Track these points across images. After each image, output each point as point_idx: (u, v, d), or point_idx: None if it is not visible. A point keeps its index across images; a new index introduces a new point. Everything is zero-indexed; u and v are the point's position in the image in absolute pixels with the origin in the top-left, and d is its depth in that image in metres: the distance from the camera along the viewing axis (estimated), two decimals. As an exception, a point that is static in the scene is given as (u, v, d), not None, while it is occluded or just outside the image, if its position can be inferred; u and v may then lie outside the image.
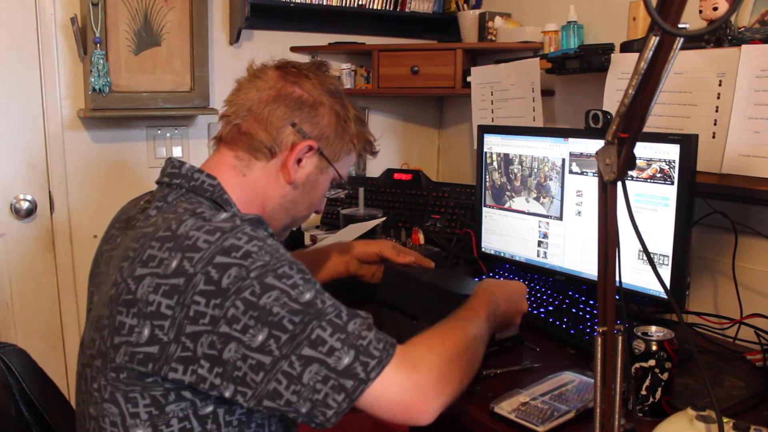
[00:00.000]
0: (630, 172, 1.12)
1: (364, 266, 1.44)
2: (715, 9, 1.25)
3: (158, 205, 0.95)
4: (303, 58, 2.17)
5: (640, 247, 0.93)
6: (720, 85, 1.28)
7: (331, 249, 1.44)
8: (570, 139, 1.48)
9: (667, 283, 1.26)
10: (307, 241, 1.92)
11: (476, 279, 1.35)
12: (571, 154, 1.47)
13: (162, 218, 0.90)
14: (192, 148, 2.06)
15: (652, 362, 1.01)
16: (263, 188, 1.03)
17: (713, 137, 1.30)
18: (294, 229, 1.23)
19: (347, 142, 1.09)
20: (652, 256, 1.29)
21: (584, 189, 1.46)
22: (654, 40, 0.61)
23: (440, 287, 1.26)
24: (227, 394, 0.82)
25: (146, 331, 0.81)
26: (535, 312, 1.42)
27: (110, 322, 0.84)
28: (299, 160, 1.04)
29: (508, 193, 1.65)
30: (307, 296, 0.83)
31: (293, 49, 2.17)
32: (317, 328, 0.81)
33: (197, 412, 0.85)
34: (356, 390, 0.80)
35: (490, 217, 1.71)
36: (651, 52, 0.62)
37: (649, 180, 1.29)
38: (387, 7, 2.21)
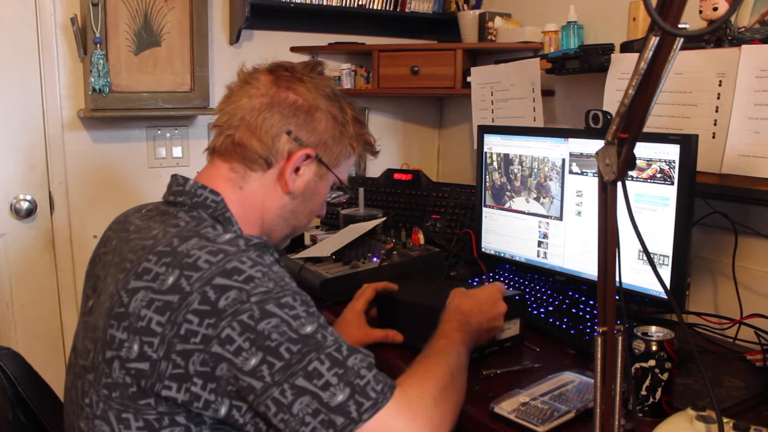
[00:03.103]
0: (630, 172, 1.12)
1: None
2: (715, 9, 1.25)
3: (162, 218, 0.94)
4: (303, 59, 2.18)
5: (640, 247, 0.93)
6: (720, 85, 1.28)
7: (345, 318, 1.31)
8: (570, 139, 1.48)
9: (667, 283, 1.26)
10: (307, 241, 1.92)
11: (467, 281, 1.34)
12: (571, 154, 1.47)
13: (163, 232, 0.88)
14: (192, 147, 2.06)
15: (652, 362, 1.01)
16: (261, 200, 1.01)
17: (713, 137, 1.29)
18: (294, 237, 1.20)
19: (346, 146, 1.06)
20: (652, 256, 1.29)
21: (584, 189, 1.46)
22: (654, 40, 0.61)
23: (429, 306, 1.20)
24: (222, 412, 0.80)
25: (136, 347, 0.79)
26: (535, 312, 1.42)
27: (103, 335, 0.83)
28: (297, 169, 1.01)
29: (508, 193, 1.65)
30: (309, 329, 0.80)
31: (293, 49, 2.17)
32: (315, 360, 0.78)
33: None
34: (345, 428, 0.77)
35: (490, 217, 1.71)
36: (651, 52, 0.62)
37: (649, 180, 1.29)
38: (387, 7, 2.21)
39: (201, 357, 0.78)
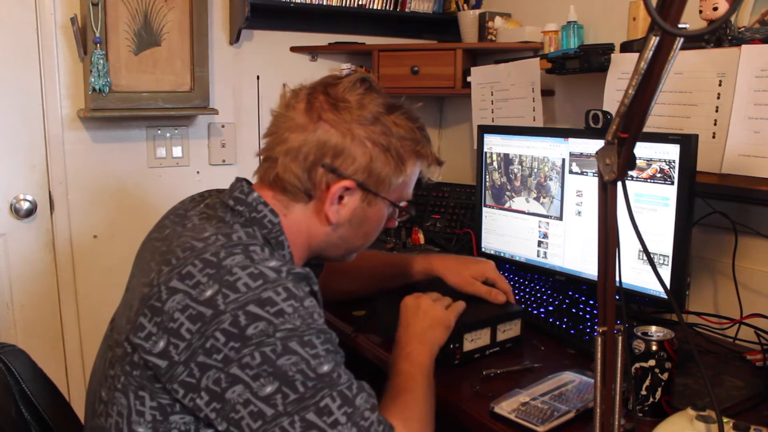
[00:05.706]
0: (630, 172, 1.12)
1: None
2: (715, 9, 1.25)
3: (217, 225, 0.93)
4: (303, 58, 2.18)
5: (640, 247, 0.93)
6: (720, 85, 1.28)
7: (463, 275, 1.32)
8: (570, 139, 1.48)
9: (667, 283, 1.26)
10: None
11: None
12: (571, 154, 1.47)
13: (215, 238, 0.87)
14: (192, 147, 2.06)
15: (652, 362, 1.01)
16: (306, 228, 1.00)
17: (713, 137, 1.29)
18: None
19: (394, 168, 0.98)
20: (652, 256, 1.29)
21: (584, 189, 1.46)
22: (654, 40, 0.61)
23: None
24: (220, 429, 0.82)
25: (162, 344, 0.81)
26: (535, 312, 1.42)
27: (134, 318, 0.85)
28: (341, 198, 0.97)
29: (508, 193, 1.65)
30: (325, 368, 0.83)
31: (293, 49, 2.17)
32: (327, 397, 0.82)
33: (199, 430, 0.85)
34: None
35: (490, 217, 1.71)
36: (651, 52, 0.62)
37: (649, 180, 1.29)
38: (387, 7, 2.21)
39: (216, 375, 0.80)
